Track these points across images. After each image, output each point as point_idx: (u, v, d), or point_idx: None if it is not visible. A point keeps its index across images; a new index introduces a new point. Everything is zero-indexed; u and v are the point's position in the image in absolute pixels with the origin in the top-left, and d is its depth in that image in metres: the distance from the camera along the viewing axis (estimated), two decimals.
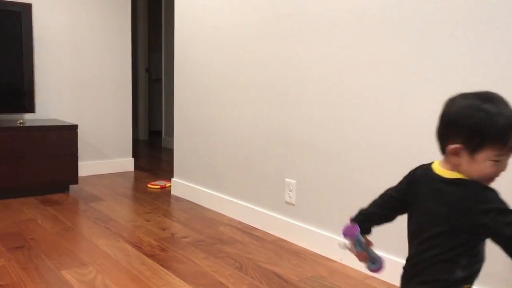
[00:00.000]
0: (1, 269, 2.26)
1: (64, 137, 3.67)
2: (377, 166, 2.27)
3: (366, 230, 1.36)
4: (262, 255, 2.55)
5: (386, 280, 2.21)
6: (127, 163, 4.66)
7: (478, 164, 1.11)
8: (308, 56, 2.59)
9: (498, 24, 1.82)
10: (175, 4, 3.66)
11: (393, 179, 2.15)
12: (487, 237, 1.12)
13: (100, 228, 2.91)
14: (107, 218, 3.12)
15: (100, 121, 4.45)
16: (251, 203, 3.05)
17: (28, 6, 3.80)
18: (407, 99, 2.13)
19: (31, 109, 3.91)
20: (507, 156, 1.12)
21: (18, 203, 3.40)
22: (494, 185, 1.15)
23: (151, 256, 2.48)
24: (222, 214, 3.27)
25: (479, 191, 1.11)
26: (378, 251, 1.39)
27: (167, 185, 3.99)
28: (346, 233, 1.34)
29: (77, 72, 4.28)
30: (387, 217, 1.36)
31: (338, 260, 2.45)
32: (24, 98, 3.87)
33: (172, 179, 3.84)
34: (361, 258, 1.36)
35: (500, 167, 1.12)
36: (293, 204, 2.73)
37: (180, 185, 3.71)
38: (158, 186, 4.00)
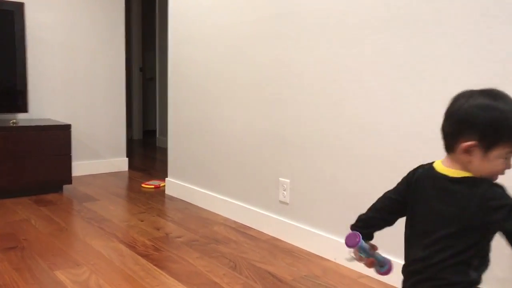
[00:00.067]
0: None
1: (58, 137, 3.66)
2: (372, 166, 2.27)
3: (368, 236, 1.34)
4: (256, 254, 2.55)
5: (380, 279, 2.21)
6: (121, 163, 4.65)
7: (490, 162, 1.13)
8: (303, 56, 2.59)
9: (490, 23, 1.82)
10: (169, 3, 3.65)
11: (387, 178, 2.16)
12: (495, 233, 1.12)
13: (94, 228, 2.90)
14: (101, 218, 3.11)
15: (94, 121, 4.44)
16: (245, 203, 3.05)
17: (21, 5, 3.78)
18: (402, 99, 2.13)
19: (24, 108, 3.89)
20: None
21: (11, 203, 3.38)
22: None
23: (145, 256, 2.48)
24: (216, 213, 3.27)
25: (488, 188, 1.12)
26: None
27: (161, 185, 3.99)
28: (349, 243, 1.30)
29: (71, 71, 4.26)
30: (387, 221, 1.34)
31: (332, 259, 2.46)
32: (17, 98, 3.85)
33: (166, 178, 3.83)
34: (369, 264, 1.33)
35: (508, 164, 1.15)
36: (287, 204, 2.73)
37: (174, 185, 3.70)
38: (152, 186, 3.99)
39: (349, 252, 1.34)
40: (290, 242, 2.71)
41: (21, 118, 3.91)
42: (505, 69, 1.79)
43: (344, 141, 2.39)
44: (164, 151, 5.30)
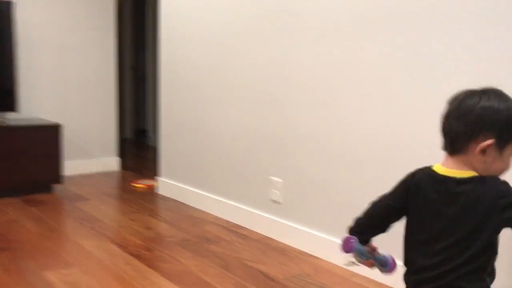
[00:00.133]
0: None
1: (48, 137, 3.63)
2: (364, 166, 2.27)
3: (364, 242, 1.31)
4: (248, 253, 2.54)
5: (372, 278, 2.22)
6: (113, 162, 4.62)
7: (502, 160, 1.14)
8: (296, 56, 2.59)
9: (482, 22, 1.83)
10: (161, 1, 3.63)
11: (380, 178, 2.17)
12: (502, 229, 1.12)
13: (85, 228, 2.88)
14: (92, 218, 3.09)
15: (85, 120, 4.41)
16: (237, 202, 3.04)
17: (10, 4, 3.74)
18: (395, 98, 2.14)
19: (14, 108, 3.85)
20: None
21: (1, 204, 3.35)
22: None
23: (137, 256, 2.47)
24: (208, 213, 3.25)
25: (500, 185, 1.11)
26: None
27: (154, 184, 3.97)
28: (345, 249, 1.28)
29: (61, 70, 4.23)
30: (383, 229, 1.31)
31: (325, 258, 2.45)
32: (6, 97, 3.81)
33: (158, 178, 3.81)
34: (369, 266, 1.31)
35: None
36: (280, 203, 2.73)
37: (166, 184, 3.69)
38: (144, 185, 3.97)
39: (347, 257, 1.31)
40: (282, 241, 2.71)
41: (11, 118, 3.88)
42: (496, 67, 1.79)
43: (337, 141, 2.39)
44: (156, 150, 5.27)
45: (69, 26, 4.24)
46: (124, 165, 4.77)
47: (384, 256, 1.31)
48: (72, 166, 4.26)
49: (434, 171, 1.19)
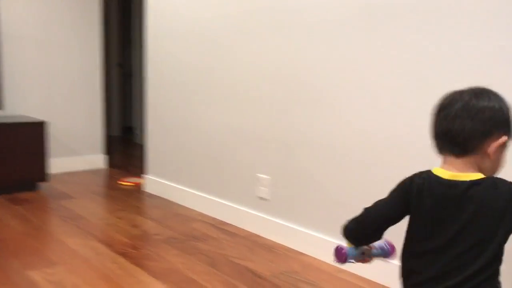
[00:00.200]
0: None
1: (32, 134, 3.58)
2: (353, 163, 2.27)
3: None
4: (235, 250, 2.53)
5: (359, 274, 2.22)
6: (99, 160, 4.58)
7: (502, 158, 1.15)
8: (283, 52, 2.57)
9: (467, 22, 1.83)
10: None
11: (368, 175, 2.17)
12: None
13: (71, 227, 2.85)
14: (78, 216, 3.06)
15: (71, 117, 4.36)
16: (224, 199, 3.03)
17: None
18: (379, 95, 2.14)
19: None
20: None
21: None
22: None
23: (123, 254, 2.44)
24: (195, 210, 3.24)
25: (509, 186, 1.10)
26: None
27: (140, 182, 3.94)
28: (339, 260, 1.26)
29: (46, 67, 4.18)
30: (377, 237, 1.26)
31: (312, 255, 2.45)
32: None
33: (144, 175, 3.79)
34: (369, 261, 1.29)
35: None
36: (268, 200, 2.72)
37: (153, 182, 3.66)
38: (131, 183, 3.94)
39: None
40: (269, 238, 2.70)
41: None
42: (481, 66, 1.80)
43: (325, 138, 2.39)
44: (143, 148, 5.24)
45: (54, 23, 4.18)
46: (111, 163, 4.73)
47: (381, 248, 1.28)
48: (58, 164, 4.21)
49: (438, 176, 1.14)
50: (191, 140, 3.28)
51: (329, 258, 2.34)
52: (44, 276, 2.15)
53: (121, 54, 6.85)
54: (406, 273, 1.19)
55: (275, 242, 2.65)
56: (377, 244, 1.30)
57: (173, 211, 3.23)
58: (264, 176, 2.72)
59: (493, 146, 1.11)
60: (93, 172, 4.39)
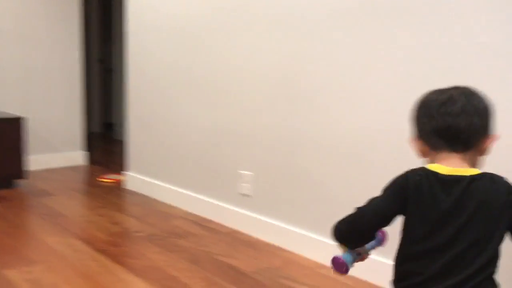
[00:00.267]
0: None
1: (9, 130, 3.51)
2: (336, 158, 2.27)
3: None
4: (217, 247, 2.52)
5: None
6: (79, 157, 4.52)
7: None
8: (262, 48, 2.56)
9: (440, 21, 1.85)
10: None
11: (352, 169, 2.17)
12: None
13: (50, 224, 2.80)
14: (57, 213, 3.01)
15: (50, 113, 4.29)
16: (206, 196, 3.01)
17: None
18: (361, 92, 2.14)
19: None
20: None
21: None
22: None
23: (103, 252, 2.41)
24: (176, 207, 3.21)
25: (505, 181, 1.10)
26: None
27: (121, 179, 3.90)
28: (340, 271, 1.21)
29: (24, 62, 4.10)
30: (372, 238, 1.21)
31: (294, 251, 2.45)
32: None
33: (125, 172, 3.75)
34: (366, 257, 1.26)
35: None
36: (250, 196, 2.71)
37: (134, 179, 3.63)
38: (112, 180, 3.89)
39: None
40: (251, 235, 2.69)
41: None
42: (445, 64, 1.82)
43: (308, 134, 2.39)
44: (124, 144, 5.19)
45: (32, 17, 4.11)
46: (91, 160, 4.67)
47: (373, 243, 1.24)
48: (37, 160, 4.14)
49: (435, 172, 1.11)
50: (172, 137, 3.25)
51: (310, 253, 2.35)
52: (21, 275, 2.12)
53: (102, 50, 6.77)
54: (403, 275, 1.14)
55: (257, 239, 2.65)
56: None
57: (154, 208, 3.20)
58: (247, 173, 2.71)
59: (488, 142, 1.13)
60: (73, 169, 4.33)
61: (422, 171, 1.13)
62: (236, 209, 2.79)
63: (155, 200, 3.37)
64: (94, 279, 2.10)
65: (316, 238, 2.34)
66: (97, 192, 3.58)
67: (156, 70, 3.35)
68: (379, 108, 2.07)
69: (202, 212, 3.02)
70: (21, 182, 3.67)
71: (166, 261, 2.33)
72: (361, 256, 1.24)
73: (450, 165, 1.11)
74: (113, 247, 2.48)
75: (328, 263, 2.20)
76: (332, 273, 2.19)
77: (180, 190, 3.21)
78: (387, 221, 1.17)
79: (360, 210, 1.18)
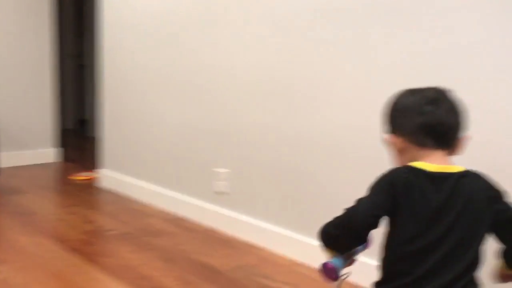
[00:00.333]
0: None
1: None
2: (315, 154, 2.27)
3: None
4: (192, 246, 2.50)
5: (314, 266, 2.23)
6: (51, 154, 4.43)
7: None
8: (241, 44, 2.55)
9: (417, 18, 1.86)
10: None
11: (332, 166, 2.18)
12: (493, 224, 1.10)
13: (20, 223, 2.74)
14: (28, 211, 2.95)
15: (20, 109, 4.19)
16: (181, 194, 2.99)
17: None
18: (343, 89, 2.15)
19: None
20: None
21: None
22: None
23: (75, 250, 2.37)
24: (151, 205, 3.17)
25: (486, 178, 1.12)
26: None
27: (94, 176, 3.83)
28: (331, 278, 1.15)
29: None
30: (363, 240, 1.15)
31: (269, 248, 2.45)
32: None
33: (99, 169, 3.69)
34: (354, 261, 1.22)
35: None
36: (226, 193, 2.70)
37: (108, 176, 3.57)
38: (85, 178, 3.83)
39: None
40: (227, 233, 2.68)
41: None
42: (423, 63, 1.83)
43: (284, 130, 2.38)
44: (97, 141, 5.11)
45: (0, 10, 4.00)
46: (65, 156, 4.58)
47: (359, 246, 1.19)
48: (7, 157, 4.03)
49: (423, 169, 1.09)
50: (147, 134, 3.22)
51: (286, 251, 2.35)
52: None
53: (75, 45, 6.64)
54: (391, 276, 1.11)
55: (232, 237, 2.64)
56: None
57: (128, 206, 3.15)
58: (224, 170, 2.70)
59: (464, 141, 1.15)
60: (45, 166, 4.25)
61: (408, 169, 1.11)
62: (212, 206, 2.78)
63: (129, 198, 3.32)
64: (66, 279, 2.06)
65: (292, 236, 2.34)
66: (69, 190, 3.51)
67: (131, 67, 3.30)
68: (352, 105, 2.08)
69: (177, 210, 3.00)
70: None
71: (140, 260, 2.30)
72: (350, 261, 1.19)
73: (434, 162, 1.10)
74: (85, 246, 2.44)
75: (303, 260, 2.23)
76: (307, 271, 2.20)
77: (155, 188, 3.17)
78: (375, 224, 1.10)
79: (350, 211, 1.11)
